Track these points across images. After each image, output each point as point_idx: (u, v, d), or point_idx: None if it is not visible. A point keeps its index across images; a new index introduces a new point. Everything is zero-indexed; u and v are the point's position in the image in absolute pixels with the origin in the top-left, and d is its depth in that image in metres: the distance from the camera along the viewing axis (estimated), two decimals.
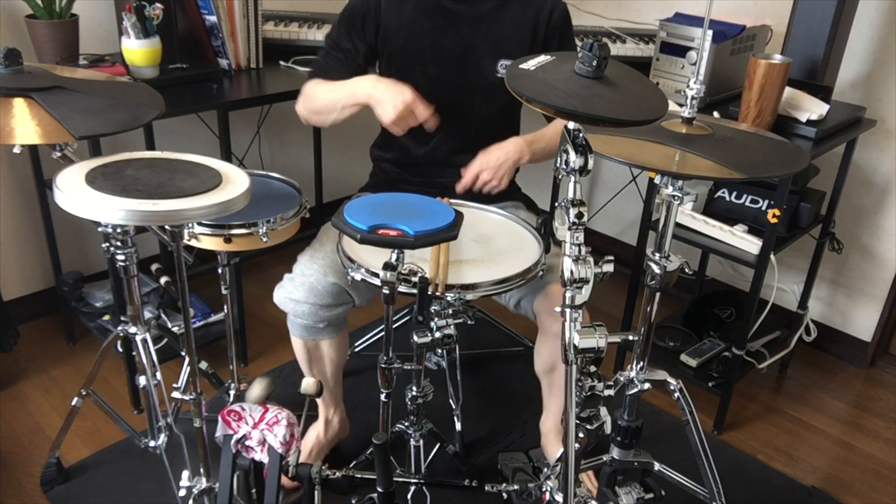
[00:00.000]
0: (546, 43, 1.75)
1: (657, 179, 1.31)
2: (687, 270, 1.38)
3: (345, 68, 1.72)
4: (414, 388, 1.57)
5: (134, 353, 1.54)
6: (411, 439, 1.66)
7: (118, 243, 1.38)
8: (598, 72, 1.16)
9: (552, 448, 1.84)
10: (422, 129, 1.75)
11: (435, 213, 1.31)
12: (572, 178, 1.11)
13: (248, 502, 1.40)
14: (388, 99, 1.53)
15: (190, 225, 1.45)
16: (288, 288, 1.61)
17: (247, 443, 1.34)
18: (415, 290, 1.31)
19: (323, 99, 1.69)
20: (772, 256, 1.88)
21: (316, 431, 1.87)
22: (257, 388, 1.49)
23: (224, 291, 1.76)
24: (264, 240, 1.49)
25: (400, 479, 1.69)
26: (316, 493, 1.44)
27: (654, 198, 2.05)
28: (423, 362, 1.51)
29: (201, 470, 1.51)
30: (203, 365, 1.79)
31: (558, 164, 1.13)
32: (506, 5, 1.71)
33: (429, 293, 1.35)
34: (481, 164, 1.68)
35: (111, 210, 1.11)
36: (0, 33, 2.08)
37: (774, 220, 1.82)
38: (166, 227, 1.30)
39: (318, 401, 1.84)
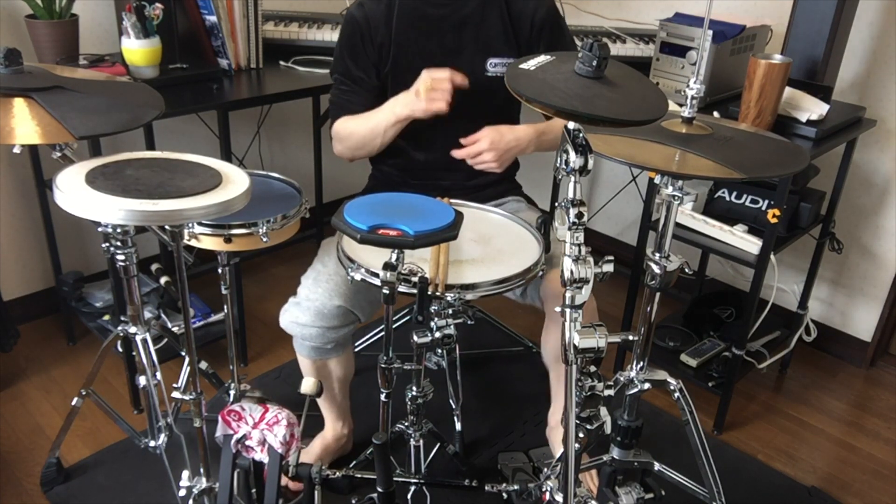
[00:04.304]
0: (535, 41, 1.75)
1: (657, 179, 1.31)
2: (687, 270, 1.38)
3: (364, 97, 1.74)
4: (414, 388, 1.57)
5: (134, 353, 1.54)
6: (411, 439, 1.66)
7: (118, 243, 1.37)
8: (598, 72, 1.16)
9: (560, 441, 1.84)
10: (421, 133, 1.75)
11: (435, 213, 1.31)
12: (572, 178, 1.11)
13: (248, 502, 1.40)
14: (412, 94, 1.61)
15: (190, 225, 1.45)
16: (294, 312, 1.61)
17: (247, 443, 1.34)
18: (415, 290, 1.31)
19: (362, 132, 1.71)
20: (772, 256, 1.88)
21: (322, 440, 1.86)
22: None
23: (224, 291, 1.76)
24: (264, 240, 1.49)
25: (400, 479, 1.69)
26: (316, 493, 1.44)
27: (654, 198, 2.05)
28: (423, 362, 1.51)
29: (201, 470, 1.51)
30: (203, 365, 1.79)
31: (558, 164, 1.13)
32: (488, 5, 1.72)
33: (429, 293, 1.35)
34: (491, 143, 1.66)
35: (111, 210, 1.11)
36: (0, 33, 2.08)
37: (774, 220, 1.82)
38: (166, 227, 1.30)
39: (326, 414, 1.85)
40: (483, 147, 1.67)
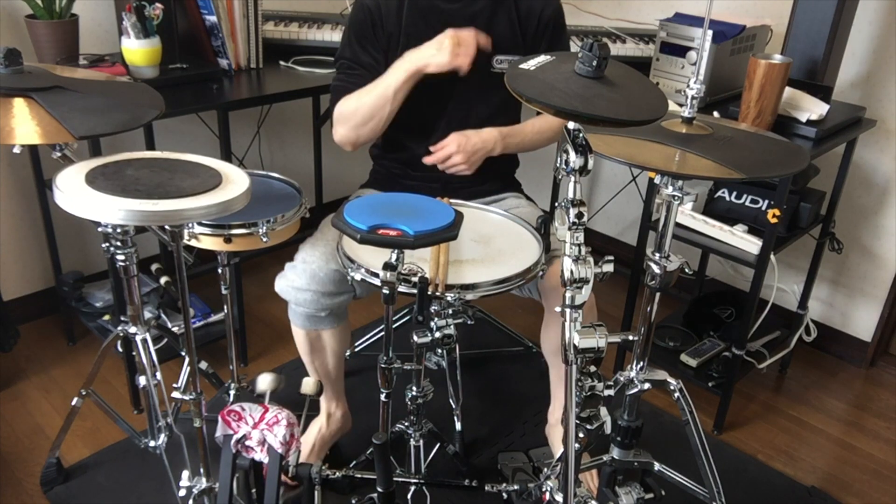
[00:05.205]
0: (539, 38, 1.77)
1: (657, 179, 1.31)
2: (687, 270, 1.38)
3: (369, 81, 1.71)
4: (414, 388, 1.57)
5: (134, 353, 1.54)
6: (411, 439, 1.66)
7: (118, 243, 1.38)
8: (598, 72, 1.16)
9: (560, 440, 1.84)
10: (423, 126, 1.75)
11: (435, 213, 1.31)
12: (572, 178, 1.11)
13: (248, 502, 1.40)
14: (433, 46, 1.60)
15: (190, 225, 1.45)
16: (289, 276, 1.60)
17: (247, 443, 1.34)
18: (415, 290, 1.31)
19: (369, 103, 1.68)
20: (772, 256, 1.88)
21: (318, 426, 1.86)
22: (263, 384, 1.49)
23: (224, 291, 1.76)
24: (264, 240, 1.50)
25: (400, 479, 1.69)
26: (316, 493, 1.44)
27: (654, 198, 2.05)
28: (423, 362, 1.51)
29: (201, 470, 1.51)
30: (203, 365, 1.79)
31: (558, 164, 1.13)
32: (498, 2, 1.73)
33: (429, 293, 1.35)
34: (458, 146, 1.70)
35: (111, 210, 1.12)
36: (0, 33, 2.08)
37: (774, 220, 1.82)
38: (166, 227, 1.30)
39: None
40: (452, 150, 1.71)
